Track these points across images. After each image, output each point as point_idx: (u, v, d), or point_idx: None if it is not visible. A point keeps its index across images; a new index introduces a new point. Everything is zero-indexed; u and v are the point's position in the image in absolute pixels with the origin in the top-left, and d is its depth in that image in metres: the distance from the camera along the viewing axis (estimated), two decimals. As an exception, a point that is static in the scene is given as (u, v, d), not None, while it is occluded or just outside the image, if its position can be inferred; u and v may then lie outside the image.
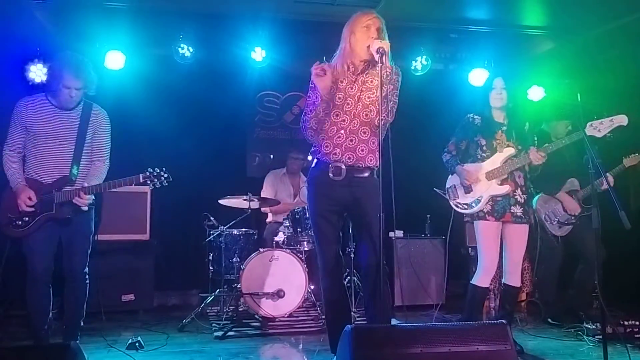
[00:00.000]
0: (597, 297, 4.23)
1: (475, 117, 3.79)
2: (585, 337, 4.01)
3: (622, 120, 3.41)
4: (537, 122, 4.56)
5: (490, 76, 4.00)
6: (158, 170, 3.44)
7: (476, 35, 5.39)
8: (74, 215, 3.40)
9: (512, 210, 3.63)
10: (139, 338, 3.88)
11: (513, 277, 3.73)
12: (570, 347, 3.89)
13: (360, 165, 3.02)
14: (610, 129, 3.45)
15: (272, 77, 5.89)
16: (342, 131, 3.04)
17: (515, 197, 3.65)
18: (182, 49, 5.13)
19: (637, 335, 3.90)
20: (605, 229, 3.07)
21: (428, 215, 5.64)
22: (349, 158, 3.01)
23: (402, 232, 5.42)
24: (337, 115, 3.04)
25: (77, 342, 3.43)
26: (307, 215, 4.72)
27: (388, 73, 2.93)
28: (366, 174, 3.04)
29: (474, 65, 5.73)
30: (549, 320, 4.60)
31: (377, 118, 2.94)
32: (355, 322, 4.50)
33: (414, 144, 5.78)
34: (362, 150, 3.02)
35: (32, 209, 3.32)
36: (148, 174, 3.40)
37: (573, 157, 4.46)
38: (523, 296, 5.64)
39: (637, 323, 3.95)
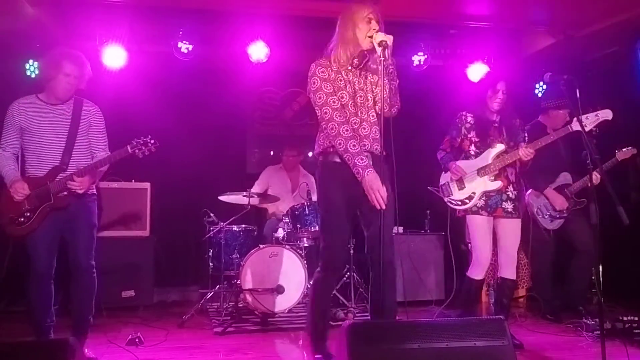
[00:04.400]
0: (595, 292, 4.24)
1: (469, 115, 3.90)
2: (584, 332, 4.01)
3: (607, 114, 3.43)
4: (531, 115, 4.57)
5: (489, 75, 4.01)
6: (144, 139, 3.43)
7: (476, 31, 5.38)
8: (75, 208, 3.44)
9: (503, 206, 3.76)
10: (139, 334, 3.89)
11: (508, 270, 3.85)
12: (569, 342, 3.90)
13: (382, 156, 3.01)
14: (595, 124, 3.49)
15: (272, 73, 5.88)
16: (365, 123, 3.06)
17: (507, 193, 3.78)
18: (182, 45, 5.12)
19: (636, 331, 3.89)
20: (603, 224, 3.07)
21: (428, 211, 5.65)
22: (376, 149, 3.03)
23: (401, 228, 5.44)
24: (354, 106, 3.05)
25: (84, 339, 3.53)
26: (307, 212, 4.73)
27: (391, 70, 2.94)
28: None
29: (474, 61, 5.72)
30: (548, 316, 4.61)
31: (387, 110, 2.94)
32: (355, 319, 4.52)
33: (413, 139, 5.78)
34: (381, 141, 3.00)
35: (24, 195, 3.33)
36: (135, 143, 3.41)
37: (568, 152, 4.48)
38: (522, 292, 5.65)
39: (636, 319, 3.95)
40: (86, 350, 3.53)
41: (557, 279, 4.77)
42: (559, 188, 4.56)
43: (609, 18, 4.88)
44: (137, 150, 3.41)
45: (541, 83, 5.88)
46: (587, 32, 5.14)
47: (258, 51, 5.22)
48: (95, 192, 3.62)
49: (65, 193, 3.41)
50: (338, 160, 3.04)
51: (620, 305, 4.50)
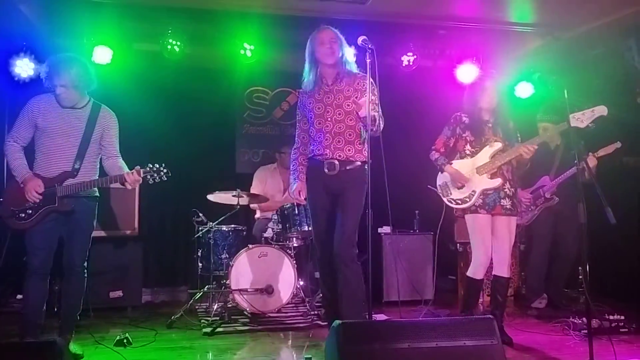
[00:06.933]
0: (583, 291, 4.29)
1: (464, 115, 3.93)
2: (571, 331, 4.04)
3: (602, 110, 3.51)
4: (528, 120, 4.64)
5: (478, 75, 4.25)
6: (157, 166, 3.50)
7: (465, 32, 5.39)
8: (77, 210, 3.49)
9: (502, 203, 3.78)
10: (127, 335, 3.87)
11: (502, 268, 3.85)
12: (556, 341, 3.92)
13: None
14: (592, 119, 3.56)
15: (261, 72, 5.86)
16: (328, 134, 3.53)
17: (505, 190, 3.80)
18: (171, 44, 5.08)
19: (623, 330, 3.96)
20: (589, 224, 3.09)
21: (417, 211, 5.65)
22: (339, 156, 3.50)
23: (390, 227, 5.44)
24: (319, 123, 3.58)
25: (70, 337, 3.58)
26: (297, 212, 4.72)
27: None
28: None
29: (463, 62, 5.74)
30: (532, 307, 4.86)
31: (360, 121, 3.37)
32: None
33: (402, 139, 5.78)
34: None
35: (40, 197, 3.37)
36: (148, 169, 3.47)
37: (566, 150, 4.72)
38: (511, 291, 5.69)
39: (622, 317, 4.01)
40: (72, 345, 3.53)
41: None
42: (535, 189, 4.87)
43: (596, 19, 4.93)
44: (148, 176, 3.47)
45: (530, 85, 5.89)
46: (575, 34, 5.18)
47: (247, 50, 5.20)
48: (97, 194, 3.67)
49: (70, 199, 3.45)
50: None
51: (607, 304, 4.53)
